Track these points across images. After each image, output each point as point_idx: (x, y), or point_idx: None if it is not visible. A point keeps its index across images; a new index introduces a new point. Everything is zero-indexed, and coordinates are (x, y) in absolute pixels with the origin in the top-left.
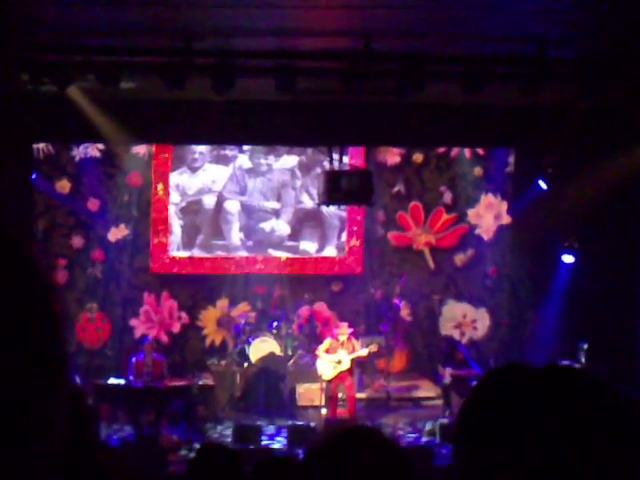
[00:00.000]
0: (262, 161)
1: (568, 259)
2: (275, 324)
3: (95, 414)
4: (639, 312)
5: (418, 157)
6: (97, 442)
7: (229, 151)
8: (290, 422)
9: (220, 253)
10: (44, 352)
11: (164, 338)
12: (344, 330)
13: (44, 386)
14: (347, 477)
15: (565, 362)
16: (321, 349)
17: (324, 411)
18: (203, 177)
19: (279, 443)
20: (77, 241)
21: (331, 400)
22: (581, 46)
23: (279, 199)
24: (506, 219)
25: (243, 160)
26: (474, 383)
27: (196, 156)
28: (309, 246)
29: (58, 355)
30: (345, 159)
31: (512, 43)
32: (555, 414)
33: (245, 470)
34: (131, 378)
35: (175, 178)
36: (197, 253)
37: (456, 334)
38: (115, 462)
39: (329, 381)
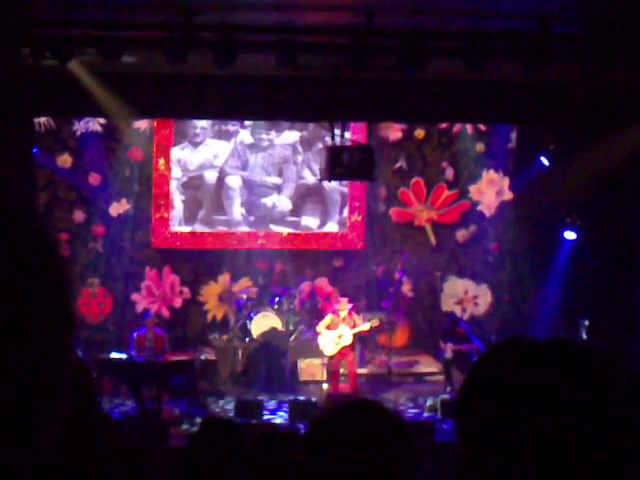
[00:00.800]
0: (264, 136)
1: (570, 236)
2: (277, 299)
3: (97, 388)
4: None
5: (420, 133)
6: (100, 414)
7: (231, 126)
8: (292, 397)
9: (222, 228)
10: (55, 315)
11: (166, 313)
12: (344, 305)
13: (55, 348)
14: (349, 448)
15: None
16: (322, 325)
17: (326, 386)
18: (204, 152)
19: (281, 418)
20: (78, 216)
21: (333, 375)
22: (584, 23)
23: (281, 174)
24: (508, 195)
25: (245, 135)
26: (475, 358)
27: (197, 131)
28: (311, 221)
29: (68, 318)
30: (347, 134)
31: (515, 19)
32: (556, 387)
33: (247, 444)
34: (133, 353)
35: (176, 153)
36: (199, 228)
37: (457, 310)
38: (117, 434)
39: (331, 356)
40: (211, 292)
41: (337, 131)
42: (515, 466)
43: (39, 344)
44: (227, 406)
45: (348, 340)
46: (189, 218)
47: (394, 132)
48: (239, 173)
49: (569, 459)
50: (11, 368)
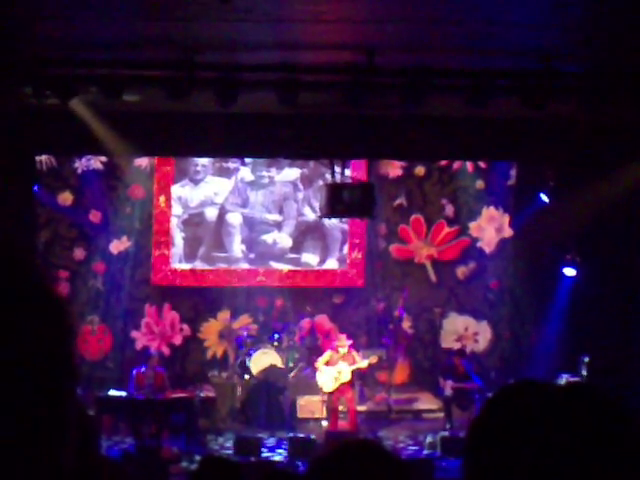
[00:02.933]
0: (264, 174)
1: (570, 272)
2: (276, 336)
3: (97, 426)
4: None
5: (420, 170)
6: (99, 455)
7: (231, 164)
8: (291, 434)
9: (222, 265)
10: (55, 364)
11: (166, 350)
12: (343, 342)
13: (59, 398)
14: None
15: (566, 375)
16: (321, 362)
17: (325, 423)
18: (205, 189)
19: (280, 455)
20: (79, 253)
21: (332, 412)
22: (585, 60)
23: (281, 211)
24: (508, 232)
25: (245, 172)
26: (477, 396)
27: (198, 168)
28: (311, 258)
29: (69, 366)
30: (347, 172)
31: (516, 57)
32: (569, 432)
33: None
34: (132, 390)
35: (177, 190)
36: (199, 265)
37: (458, 347)
38: (117, 475)
39: (330, 393)
40: (211, 329)
41: (337, 168)
42: None
43: (41, 389)
44: (226, 443)
45: (347, 377)
46: (189, 255)
47: (394, 169)
48: (239, 210)
49: None
50: (14, 413)
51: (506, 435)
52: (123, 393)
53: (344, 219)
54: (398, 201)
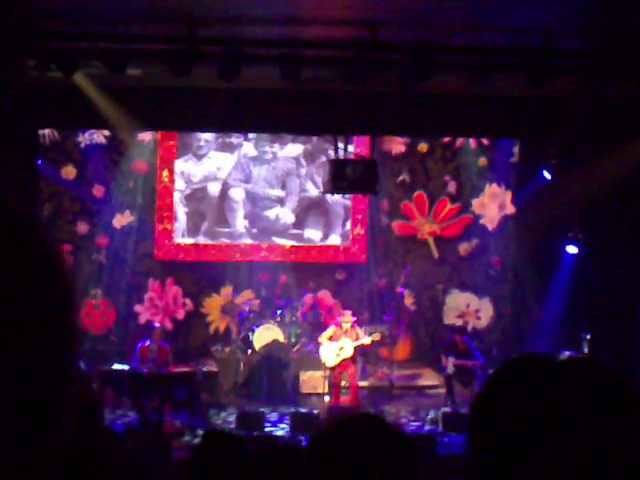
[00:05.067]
0: (267, 149)
1: (572, 250)
2: (279, 312)
3: (100, 399)
4: None
5: (423, 147)
6: (102, 427)
7: (234, 139)
8: (293, 409)
9: (225, 240)
10: (58, 326)
11: (168, 325)
12: (348, 318)
13: (59, 358)
14: (351, 463)
15: (568, 353)
16: (324, 336)
17: (327, 399)
18: (208, 164)
19: (282, 430)
20: (82, 227)
21: (334, 388)
22: (588, 37)
23: (284, 187)
24: (510, 209)
25: (248, 148)
26: (478, 373)
27: (201, 143)
28: (313, 234)
29: (71, 330)
30: (350, 148)
31: (518, 34)
32: (572, 406)
33: (249, 456)
34: (136, 364)
35: (180, 165)
36: (202, 240)
37: (459, 323)
38: (119, 449)
39: (332, 368)
40: (214, 304)
41: (340, 144)
42: None
43: (42, 354)
44: (229, 418)
45: (349, 352)
46: (192, 230)
47: (397, 146)
48: (242, 186)
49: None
50: (15, 379)
51: (509, 410)
52: (126, 367)
53: (347, 195)
54: (401, 177)
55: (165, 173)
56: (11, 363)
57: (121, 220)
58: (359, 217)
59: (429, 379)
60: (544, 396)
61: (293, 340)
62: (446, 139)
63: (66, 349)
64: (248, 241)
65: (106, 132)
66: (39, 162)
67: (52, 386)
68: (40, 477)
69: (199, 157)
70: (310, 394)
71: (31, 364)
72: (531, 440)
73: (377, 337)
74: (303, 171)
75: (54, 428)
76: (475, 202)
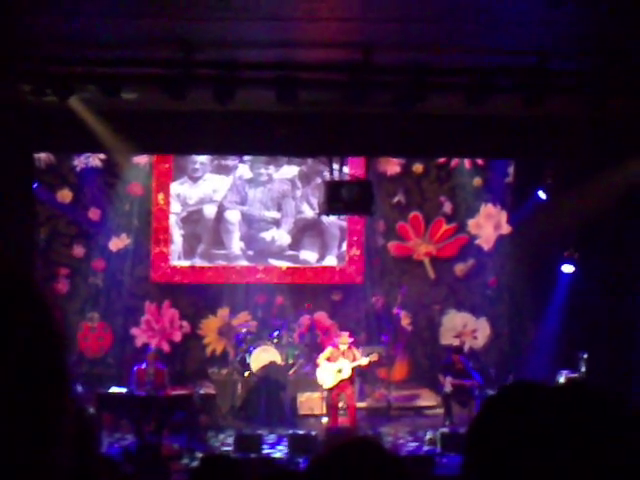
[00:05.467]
0: (262, 171)
1: (568, 269)
2: (276, 333)
3: (97, 423)
4: (638, 321)
5: (418, 167)
6: (98, 454)
7: (230, 161)
8: (291, 431)
9: (221, 262)
10: (48, 371)
11: (165, 347)
12: (345, 339)
13: (52, 402)
14: None
15: (565, 372)
16: (322, 357)
17: (325, 420)
18: (204, 187)
19: (280, 452)
20: (78, 250)
21: (332, 409)
22: (582, 58)
23: (279, 209)
24: (506, 229)
25: (244, 170)
26: (476, 393)
27: (197, 166)
28: (309, 255)
29: (62, 374)
30: (345, 169)
31: (514, 55)
32: (568, 431)
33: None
34: (133, 387)
35: (176, 188)
36: (198, 262)
37: (456, 343)
38: (114, 474)
39: (330, 390)
40: (210, 326)
41: (335, 166)
42: None
43: (34, 393)
44: (227, 440)
45: (347, 373)
46: (188, 252)
47: (392, 166)
48: (238, 208)
49: None
50: (8, 413)
51: (505, 435)
52: (124, 390)
53: (343, 216)
54: (396, 198)
55: (161, 196)
56: (4, 396)
57: (117, 243)
58: (355, 238)
59: (427, 399)
60: (539, 422)
61: (290, 361)
62: (441, 160)
63: (58, 381)
64: (244, 263)
65: (101, 155)
66: (35, 186)
67: (49, 414)
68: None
69: (194, 180)
70: (308, 415)
71: (25, 396)
72: (526, 465)
73: (375, 358)
74: (299, 193)
75: (52, 454)
76: (471, 222)
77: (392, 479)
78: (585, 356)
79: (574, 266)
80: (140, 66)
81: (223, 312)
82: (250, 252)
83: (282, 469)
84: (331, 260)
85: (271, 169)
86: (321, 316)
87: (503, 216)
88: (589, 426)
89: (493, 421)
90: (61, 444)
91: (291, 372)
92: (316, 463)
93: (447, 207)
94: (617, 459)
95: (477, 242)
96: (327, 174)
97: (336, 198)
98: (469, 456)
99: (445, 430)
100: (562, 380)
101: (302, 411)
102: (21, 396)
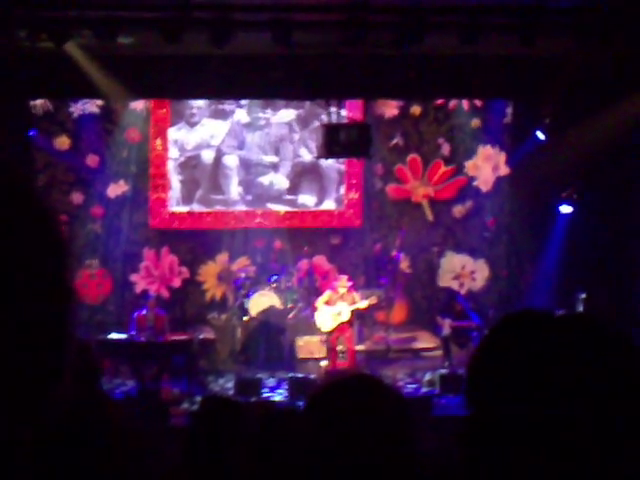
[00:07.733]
0: (260, 115)
1: (566, 210)
2: (274, 277)
3: (99, 363)
4: (637, 261)
5: (416, 109)
6: (102, 392)
7: (227, 106)
8: (291, 374)
9: (219, 207)
10: (51, 286)
11: (165, 293)
12: (344, 282)
13: (56, 321)
14: (347, 424)
15: (562, 312)
16: (320, 301)
17: (324, 363)
18: (201, 132)
19: (280, 395)
20: (77, 197)
21: (331, 352)
22: None
23: (277, 153)
24: (504, 170)
25: (241, 114)
26: (474, 334)
27: (194, 111)
28: (308, 199)
29: (65, 288)
30: (343, 112)
31: None
32: (571, 362)
33: (247, 422)
34: (133, 333)
35: (173, 133)
36: (196, 208)
37: (455, 285)
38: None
39: (328, 333)
40: (209, 272)
41: (333, 109)
42: (526, 439)
43: (40, 306)
44: (227, 384)
45: (346, 317)
46: (187, 198)
47: (390, 109)
48: (236, 152)
49: (584, 437)
50: (14, 331)
51: (507, 365)
52: (124, 336)
53: (341, 159)
54: (394, 141)
55: (158, 141)
56: (9, 314)
57: (115, 189)
58: (353, 181)
59: (426, 342)
60: (542, 353)
61: (289, 306)
62: (439, 101)
63: (63, 303)
64: (242, 208)
65: (99, 101)
66: (33, 133)
67: (51, 341)
68: (39, 435)
69: (192, 125)
70: (307, 359)
71: (29, 317)
72: (530, 396)
73: (373, 301)
74: (296, 136)
75: (54, 383)
76: (469, 164)
77: (392, 414)
78: (583, 296)
79: (572, 207)
80: (136, 9)
81: (222, 257)
82: (248, 197)
83: (281, 409)
84: (329, 204)
85: (268, 113)
86: (320, 260)
87: (501, 157)
88: (593, 356)
89: (495, 351)
90: (65, 367)
91: (290, 316)
92: (314, 400)
93: (445, 149)
94: (620, 392)
95: (475, 184)
96: (325, 117)
97: (334, 141)
98: (470, 385)
99: (444, 372)
100: None
101: (301, 355)
102: (21, 309)
